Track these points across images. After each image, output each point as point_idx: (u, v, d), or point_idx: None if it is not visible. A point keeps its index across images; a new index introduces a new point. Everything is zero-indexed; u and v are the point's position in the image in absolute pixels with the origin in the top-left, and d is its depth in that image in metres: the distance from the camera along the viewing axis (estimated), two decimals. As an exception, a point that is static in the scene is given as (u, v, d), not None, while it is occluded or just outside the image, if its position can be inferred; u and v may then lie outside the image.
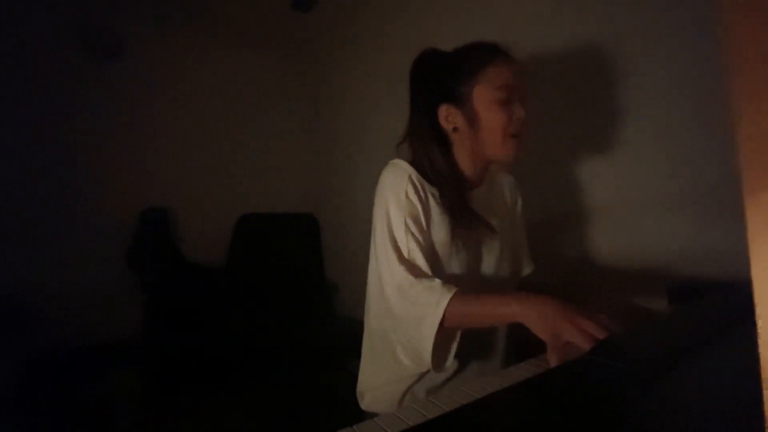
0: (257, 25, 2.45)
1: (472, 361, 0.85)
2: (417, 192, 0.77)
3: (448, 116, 0.82)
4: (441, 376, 0.82)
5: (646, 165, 1.06)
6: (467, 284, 0.79)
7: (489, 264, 0.85)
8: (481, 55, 0.80)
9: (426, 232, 0.77)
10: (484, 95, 0.79)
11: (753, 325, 0.23)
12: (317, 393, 1.84)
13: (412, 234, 0.75)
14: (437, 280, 0.71)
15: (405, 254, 0.74)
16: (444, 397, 0.52)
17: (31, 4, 1.90)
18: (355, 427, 0.46)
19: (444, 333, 0.69)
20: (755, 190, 0.21)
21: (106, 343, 1.92)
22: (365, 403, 0.88)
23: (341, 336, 2.07)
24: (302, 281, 2.43)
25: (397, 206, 0.76)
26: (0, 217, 1.80)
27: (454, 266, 0.80)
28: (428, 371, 0.78)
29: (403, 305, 0.72)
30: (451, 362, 0.74)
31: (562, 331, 0.58)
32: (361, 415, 0.88)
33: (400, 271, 0.73)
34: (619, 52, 1.10)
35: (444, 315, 0.67)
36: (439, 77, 0.83)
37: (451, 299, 0.67)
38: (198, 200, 2.34)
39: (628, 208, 1.10)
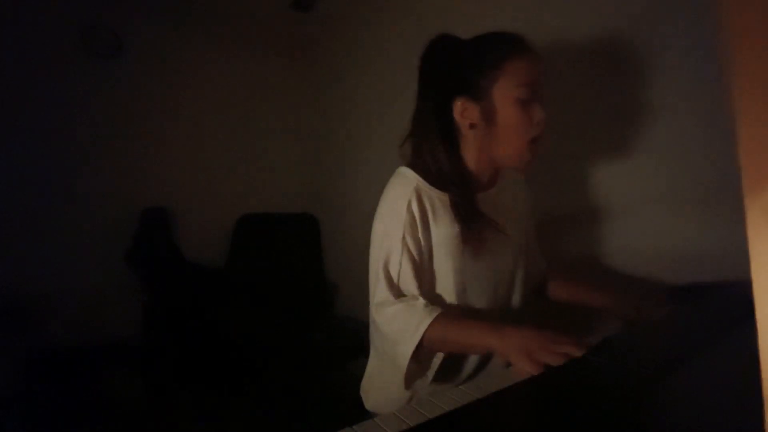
0: (257, 25, 2.45)
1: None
2: (421, 204, 0.73)
3: (464, 111, 0.74)
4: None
5: (644, 165, 1.06)
6: (482, 289, 0.79)
7: (504, 268, 0.82)
8: (504, 46, 0.72)
9: (427, 247, 0.74)
10: (505, 91, 0.71)
11: (753, 325, 0.23)
12: (317, 393, 1.84)
13: (409, 252, 0.72)
14: (420, 301, 0.70)
15: (395, 279, 0.72)
16: (444, 397, 0.52)
17: (31, 4, 1.90)
18: (355, 427, 0.46)
19: (424, 353, 0.70)
20: (755, 190, 0.21)
21: (106, 343, 1.92)
22: (369, 403, 0.86)
23: (341, 336, 2.07)
24: (302, 281, 2.43)
25: (398, 223, 0.72)
26: (0, 216, 1.80)
27: (468, 272, 0.77)
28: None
29: (383, 324, 0.72)
30: (429, 381, 0.75)
31: (541, 358, 0.58)
32: (364, 415, 0.88)
33: (384, 291, 0.72)
34: (622, 52, 1.09)
35: (423, 339, 0.67)
36: (456, 67, 0.74)
37: (431, 324, 0.67)
38: (198, 200, 2.33)
39: (627, 208, 1.10)
